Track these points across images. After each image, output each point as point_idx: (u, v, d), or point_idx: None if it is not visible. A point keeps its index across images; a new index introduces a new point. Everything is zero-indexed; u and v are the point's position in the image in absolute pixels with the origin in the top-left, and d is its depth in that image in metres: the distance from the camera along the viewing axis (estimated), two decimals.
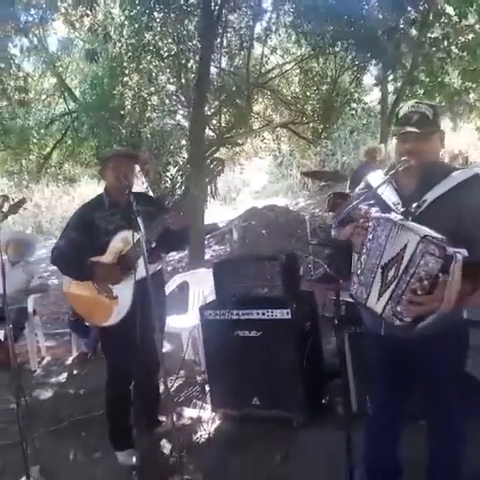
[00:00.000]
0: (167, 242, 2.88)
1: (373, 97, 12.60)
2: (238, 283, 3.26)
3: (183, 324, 4.29)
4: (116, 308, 2.85)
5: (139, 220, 2.42)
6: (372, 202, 1.89)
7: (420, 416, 2.27)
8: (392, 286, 1.70)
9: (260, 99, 11.30)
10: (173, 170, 9.25)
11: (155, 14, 7.05)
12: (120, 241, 2.79)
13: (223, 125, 9.92)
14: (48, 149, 9.93)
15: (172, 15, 7.10)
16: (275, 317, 3.09)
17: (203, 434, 3.23)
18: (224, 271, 3.36)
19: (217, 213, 12.24)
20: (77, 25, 6.87)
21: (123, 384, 3.01)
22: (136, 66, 7.71)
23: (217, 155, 9.56)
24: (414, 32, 8.34)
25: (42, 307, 6.09)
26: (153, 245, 2.71)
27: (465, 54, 8.22)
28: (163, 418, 3.37)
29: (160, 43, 7.78)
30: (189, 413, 3.52)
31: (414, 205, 1.83)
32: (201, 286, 4.60)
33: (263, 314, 3.12)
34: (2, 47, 5.91)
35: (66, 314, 6.42)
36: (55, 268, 9.06)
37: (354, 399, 3.11)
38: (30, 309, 4.89)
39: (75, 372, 4.72)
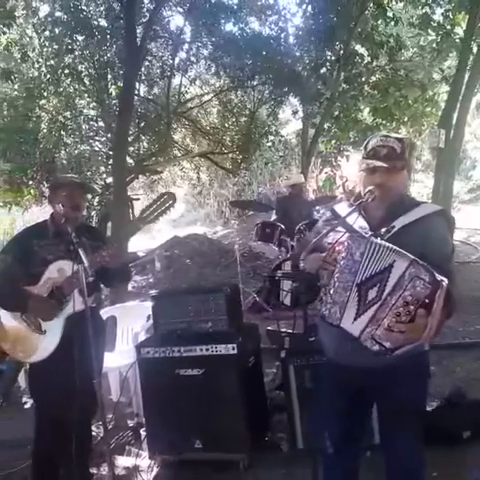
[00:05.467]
0: (107, 277, 2.74)
1: (289, 130, 13.12)
2: (179, 317, 3.08)
3: (110, 363, 3.98)
4: (43, 344, 2.61)
5: (81, 251, 2.22)
6: (340, 230, 1.86)
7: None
8: (374, 307, 1.65)
9: (179, 128, 11.32)
10: (89, 196, 8.87)
11: (77, 36, 6.81)
12: (56, 272, 2.58)
13: (142, 152, 9.78)
14: None
15: (94, 39, 6.89)
16: (219, 353, 2.93)
17: None
18: (163, 304, 3.16)
19: (134, 241, 11.90)
20: None
21: (57, 432, 2.69)
22: (55, 89, 7.36)
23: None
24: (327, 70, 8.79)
25: None
26: (91, 279, 2.50)
27: (376, 92, 8.80)
28: (94, 471, 3.07)
29: (80, 67, 7.53)
30: (123, 462, 3.22)
31: (383, 230, 1.85)
32: (130, 321, 4.33)
33: (207, 350, 2.95)
34: None
35: None
36: None
37: (300, 435, 3.02)
38: None
39: None
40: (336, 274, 1.76)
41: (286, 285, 5.21)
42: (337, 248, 1.80)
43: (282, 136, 11.60)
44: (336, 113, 9.43)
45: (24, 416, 3.95)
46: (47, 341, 2.60)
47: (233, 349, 2.90)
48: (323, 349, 2.06)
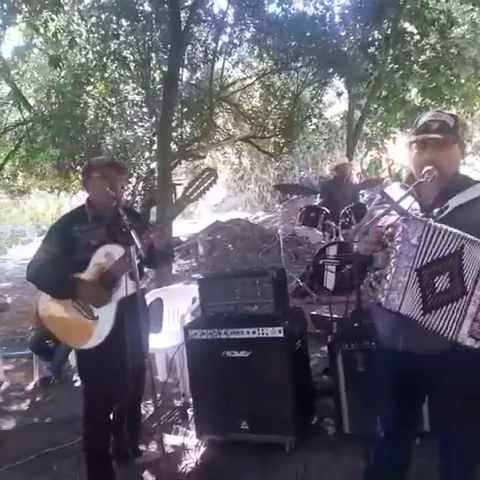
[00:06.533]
0: (152, 258, 2.71)
1: (332, 112, 12.86)
2: (226, 300, 3.09)
3: (157, 344, 4.06)
4: (96, 330, 2.62)
5: (133, 233, 2.22)
6: (393, 213, 1.81)
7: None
8: (461, 303, 1.60)
9: (221, 113, 11.28)
10: (134, 181, 9.03)
11: (122, 22, 6.87)
12: (104, 256, 2.57)
13: (185, 138, 9.82)
14: (0, 160, 9.46)
15: (139, 25, 6.93)
16: (266, 336, 2.93)
17: (189, 463, 3.02)
18: (210, 287, 3.18)
19: (176, 226, 12.05)
20: (41, 30, 6.56)
21: (104, 412, 2.77)
22: (101, 75, 7.47)
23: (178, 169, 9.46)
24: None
25: None
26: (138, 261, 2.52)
27: (425, 72, 8.48)
28: (143, 447, 3.15)
29: (125, 52, 7.60)
30: (171, 440, 3.29)
31: (436, 210, 1.77)
32: (176, 303, 4.39)
33: (253, 333, 2.96)
34: None
35: (24, 334, 6.04)
36: (7, 285, 8.56)
37: (346, 419, 2.99)
38: None
39: (38, 398, 4.37)
40: (392, 259, 1.70)
41: (331, 269, 5.16)
42: (387, 231, 1.75)
43: (326, 119, 11.37)
44: (383, 94, 9.14)
45: (74, 394, 4.10)
46: (100, 327, 2.60)
47: (280, 332, 2.90)
48: (375, 334, 2.02)
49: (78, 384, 4.43)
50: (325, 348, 3.81)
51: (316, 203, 6.56)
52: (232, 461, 2.97)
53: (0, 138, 9.11)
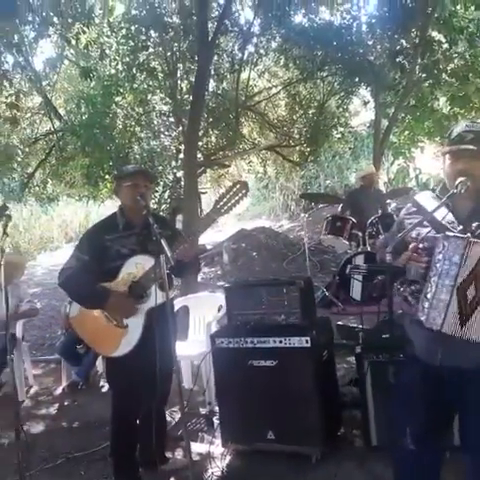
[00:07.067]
0: (179, 269, 2.70)
1: (358, 121, 12.79)
2: (252, 309, 3.10)
3: (183, 352, 4.09)
4: (125, 338, 2.66)
5: (163, 242, 2.24)
6: (426, 225, 1.79)
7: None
8: None
9: (246, 122, 11.34)
10: (160, 190, 9.11)
11: (151, 33, 7.00)
12: (134, 266, 2.60)
13: (210, 147, 9.89)
14: (31, 168, 9.69)
15: (167, 36, 7.05)
16: (293, 345, 2.93)
17: (215, 471, 3.02)
18: (237, 296, 3.19)
19: (201, 235, 12.08)
20: (73, 42, 6.75)
21: (131, 418, 2.80)
22: (130, 85, 7.61)
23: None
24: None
25: (26, 332, 5.80)
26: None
27: (454, 80, 8.39)
28: (169, 454, 3.17)
29: (153, 63, 7.73)
30: (196, 448, 3.29)
31: (474, 224, 1.75)
32: (202, 311, 4.42)
33: (280, 342, 2.95)
34: None
35: (53, 339, 6.15)
36: (37, 291, 8.69)
37: (374, 431, 2.96)
38: (19, 335, 4.61)
39: (66, 403, 4.44)
40: (433, 278, 1.69)
41: (358, 279, 5.11)
42: (422, 245, 1.74)
43: (352, 127, 11.31)
44: (412, 102, 9.05)
45: (102, 399, 4.16)
46: (129, 335, 2.63)
47: (307, 342, 2.89)
48: (407, 346, 2.00)
49: (105, 390, 4.51)
50: (351, 359, 3.81)
51: (341, 212, 6.53)
52: (258, 471, 2.96)
53: (31, 147, 9.33)
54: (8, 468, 3.15)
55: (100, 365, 4.74)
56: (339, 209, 6.69)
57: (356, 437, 3.17)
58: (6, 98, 7.29)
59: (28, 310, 4.81)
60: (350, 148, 12.46)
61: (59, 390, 4.70)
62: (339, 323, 4.48)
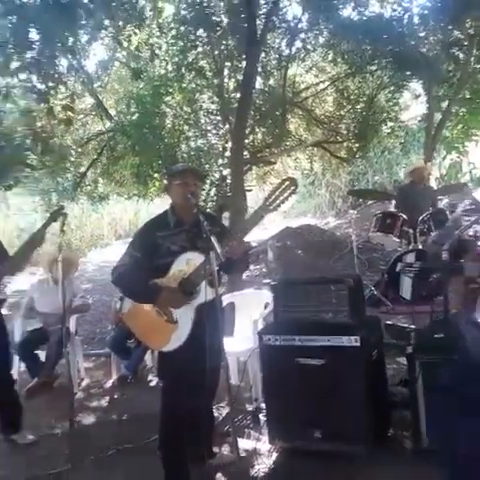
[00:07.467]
0: (227, 265, 2.72)
1: (408, 115, 12.43)
2: (300, 306, 3.08)
3: (229, 348, 4.10)
4: (175, 333, 2.70)
5: (213, 239, 2.27)
6: None
7: None
8: None
9: (293, 118, 11.25)
10: (207, 187, 9.18)
11: (200, 32, 7.06)
12: (185, 263, 2.64)
13: (257, 144, 9.88)
14: (83, 168, 9.99)
15: (215, 35, 7.09)
16: (342, 344, 2.89)
17: (261, 468, 3.02)
18: (284, 293, 3.18)
19: None
20: (125, 44, 6.92)
21: (181, 412, 2.83)
22: (179, 85, 7.72)
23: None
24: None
25: (79, 327, 6.01)
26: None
27: None
28: (216, 449, 3.20)
29: (201, 62, 7.80)
30: (243, 444, 3.30)
31: None
32: (248, 308, 4.43)
33: (328, 341, 2.92)
34: (50, 66, 5.97)
35: (103, 334, 6.33)
36: (88, 287, 8.94)
37: (425, 433, 2.88)
38: (72, 329, 4.78)
39: (116, 396, 4.57)
40: None
41: (409, 277, 4.98)
42: None
43: (402, 122, 11.01)
44: (466, 95, 8.70)
45: (150, 393, 4.26)
46: (180, 330, 2.67)
47: (356, 341, 2.85)
48: (463, 347, 1.93)
49: (153, 384, 4.61)
50: (400, 359, 3.72)
51: (392, 209, 6.37)
52: (304, 469, 2.94)
53: (83, 147, 9.63)
54: (60, 457, 3.27)
55: (149, 359, 4.85)
56: (393, 206, 6.52)
57: (406, 438, 3.10)
58: (61, 100, 7.57)
59: (81, 305, 4.98)
60: (400, 143, 12.12)
61: (109, 383, 4.83)
62: (388, 322, 4.38)
